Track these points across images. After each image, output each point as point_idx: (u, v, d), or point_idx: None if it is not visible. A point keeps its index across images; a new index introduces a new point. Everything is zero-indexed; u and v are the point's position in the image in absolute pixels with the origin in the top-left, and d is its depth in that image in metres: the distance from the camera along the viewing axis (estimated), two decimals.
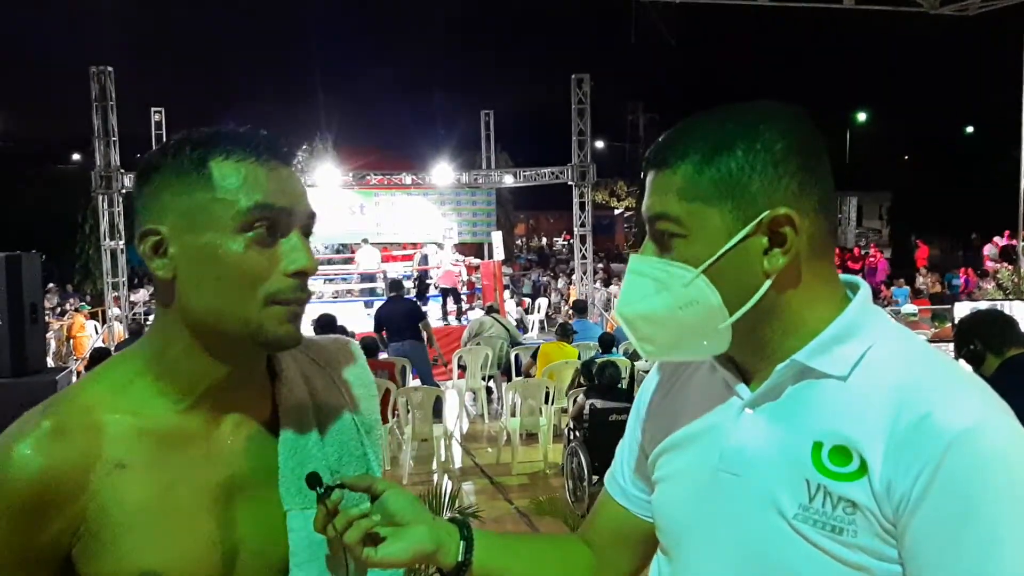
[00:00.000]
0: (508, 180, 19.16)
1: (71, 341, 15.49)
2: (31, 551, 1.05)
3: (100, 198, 16.00)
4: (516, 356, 10.89)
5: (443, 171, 18.75)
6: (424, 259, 18.51)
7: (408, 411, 8.05)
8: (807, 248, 1.04)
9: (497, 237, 19.02)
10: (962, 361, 3.82)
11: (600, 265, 23.59)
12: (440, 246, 19.06)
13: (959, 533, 0.92)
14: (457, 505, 4.27)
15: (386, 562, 1.11)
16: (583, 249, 17.88)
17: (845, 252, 24.60)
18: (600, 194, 39.79)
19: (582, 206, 17.65)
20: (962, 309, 8.25)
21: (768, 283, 1.03)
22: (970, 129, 31.85)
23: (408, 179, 18.74)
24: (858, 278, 1.14)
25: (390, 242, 20.81)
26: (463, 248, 20.58)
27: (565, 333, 10.31)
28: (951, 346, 4.02)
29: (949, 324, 8.79)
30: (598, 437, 6.73)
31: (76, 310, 17.05)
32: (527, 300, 20.44)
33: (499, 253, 18.42)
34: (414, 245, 20.80)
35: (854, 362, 1.03)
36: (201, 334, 1.10)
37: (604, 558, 1.33)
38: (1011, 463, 0.92)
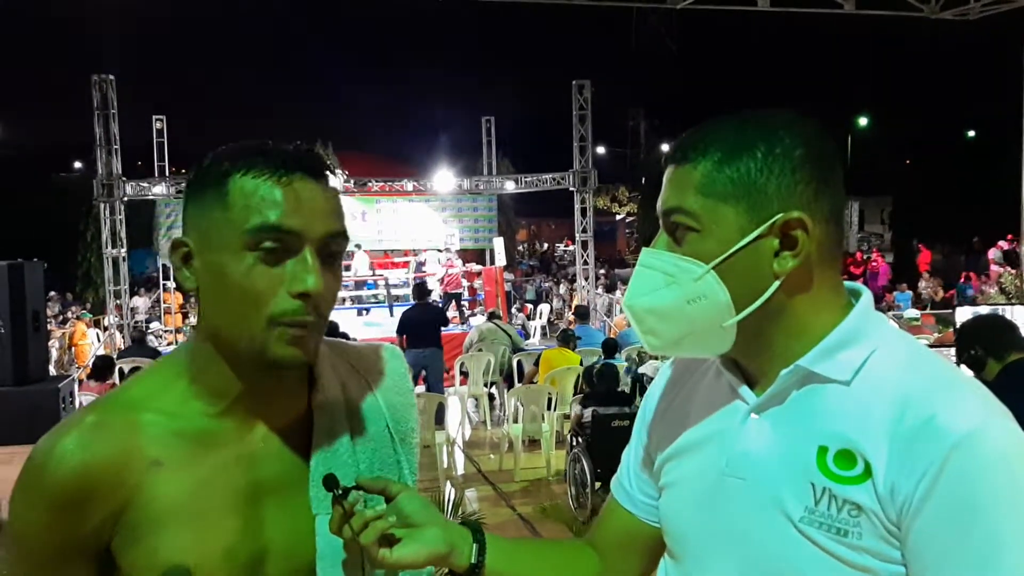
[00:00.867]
0: (510, 186, 19.17)
1: (73, 349, 15.48)
2: (73, 541, 1.09)
3: (102, 206, 15.99)
4: (518, 362, 10.89)
5: (444, 177, 18.77)
6: (419, 266, 18.54)
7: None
8: (816, 254, 1.06)
9: (499, 243, 19.03)
10: (963, 366, 3.82)
11: (602, 271, 23.58)
12: (440, 251, 19.10)
13: (961, 535, 0.93)
14: (460, 512, 4.27)
15: (401, 563, 1.13)
16: (585, 255, 17.88)
17: (847, 256, 24.58)
18: (602, 200, 39.78)
19: (583, 212, 17.65)
20: (963, 314, 8.24)
21: (776, 284, 1.05)
22: (972, 133, 31.85)
23: (409, 185, 18.74)
24: (860, 285, 1.16)
25: (391, 248, 20.82)
26: (465, 254, 20.58)
27: (567, 339, 10.31)
28: (953, 351, 4.02)
29: (951, 329, 8.77)
30: (600, 443, 6.72)
31: (78, 318, 17.05)
32: (529, 306, 20.43)
33: (501, 259, 18.43)
34: (415, 252, 20.83)
35: (857, 367, 1.04)
36: (218, 345, 1.13)
37: (611, 563, 1.34)
38: (1013, 466, 0.93)
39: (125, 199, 16.01)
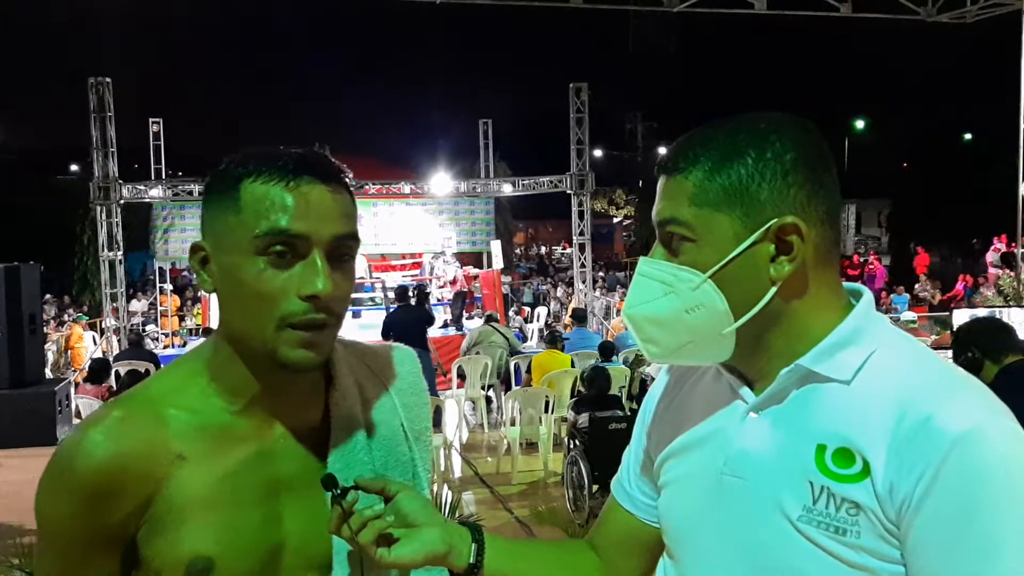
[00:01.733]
0: (507, 189, 19.18)
1: (69, 352, 15.46)
2: (100, 532, 1.12)
3: (98, 209, 15.98)
4: (516, 365, 10.88)
5: (442, 180, 18.77)
6: (430, 270, 18.54)
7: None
8: (813, 257, 1.05)
9: (496, 246, 19.04)
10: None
11: (601, 274, 23.60)
12: (441, 254, 19.09)
13: (959, 535, 0.93)
14: (457, 515, 4.26)
15: (399, 563, 1.14)
16: (582, 258, 17.89)
17: (844, 259, 24.61)
18: (599, 202, 39.84)
19: (581, 214, 17.66)
20: (961, 316, 8.25)
21: (774, 290, 1.05)
22: (968, 136, 31.90)
23: (407, 188, 18.75)
24: (860, 285, 1.16)
25: (388, 252, 20.81)
26: (462, 257, 20.57)
27: (554, 340, 10.31)
28: (951, 353, 4.04)
29: (949, 331, 8.79)
30: (598, 446, 6.72)
31: (74, 321, 17.03)
32: (526, 309, 20.44)
33: (498, 262, 18.44)
34: (413, 255, 20.82)
35: (857, 367, 1.04)
36: (236, 347, 1.16)
37: (611, 563, 1.34)
38: (1011, 466, 0.93)
39: (122, 202, 15.99)
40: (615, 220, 43.86)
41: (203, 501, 1.13)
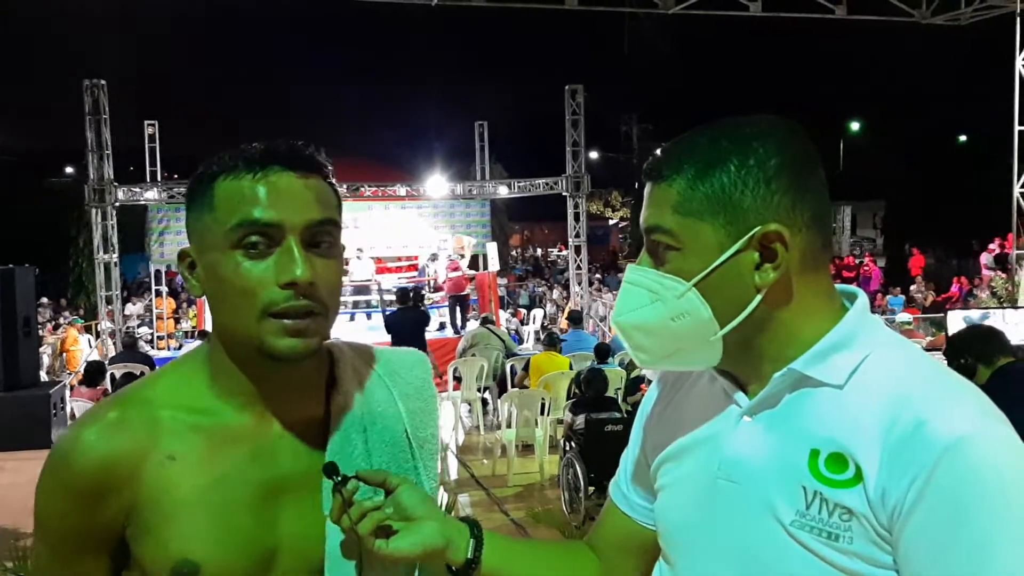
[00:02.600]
0: (503, 191, 19.19)
1: (64, 355, 15.43)
2: (91, 530, 1.13)
3: (93, 211, 15.97)
4: (511, 367, 10.88)
5: (437, 182, 18.78)
6: (422, 271, 18.51)
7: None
8: (799, 263, 1.05)
9: (492, 248, 19.03)
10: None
11: (597, 276, 23.60)
12: (435, 257, 19.09)
13: (950, 541, 0.93)
14: (453, 517, 4.25)
15: (396, 555, 1.14)
16: (578, 259, 17.90)
17: (839, 261, 24.64)
18: (595, 204, 39.87)
19: (577, 216, 17.68)
20: (955, 317, 8.28)
21: (759, 298, 1.05)
22: (963, 138, 31.95)
23: (402, 190, 18.74)
24: (855, 287, 1.16)
25: (384, 255, 20.78)
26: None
27: (552, 342, 10.32)
28: (945, 359, 4.10)
29: (943, 333, 8.80)
30: (594, 448, 6.72)
31: (70, 323, 17.00)
32: (522, 311, 20.43)
33: (494, 264, 18.44)
34: (408, 257, 20.80)
35: (850, 371, 1.04)
36: (227, 345, 1.16)
37: (610, 565, 1.34)
38: (1003, 472, 0.93)
39: (117, 204, 15.98)
40: (611, 222, 43.89)
41: (192, 503, 1.12)
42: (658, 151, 1.11)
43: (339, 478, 1.12)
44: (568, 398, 8.61)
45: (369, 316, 18.21)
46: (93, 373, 9.16)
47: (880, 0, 14.26)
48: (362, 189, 18.71)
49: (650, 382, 1.36)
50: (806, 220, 1.05)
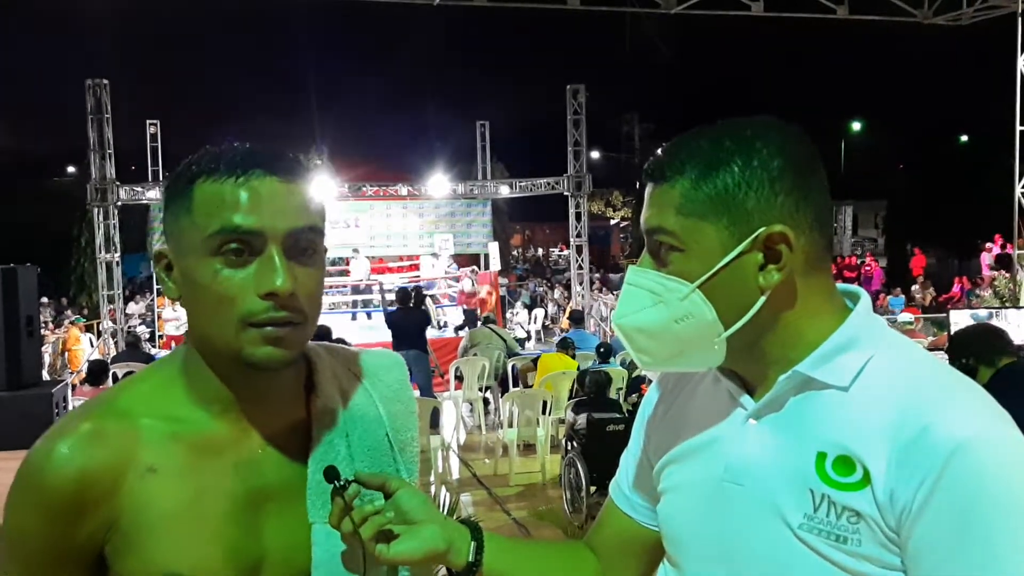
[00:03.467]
0: (504, 191, 19.18)
1: (66, 354, 15.43)
2: (68, 547, 1.08)
3: (95, 211, 15.97)
4: (513, 366, 10.87)
5: (439, 182, 18.77)
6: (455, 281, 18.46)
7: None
8: (802, 264, 1.05)
9: (493, 248, 19.03)
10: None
11: (597, 275, 23.59)
12: (436, 256, 19.08)
13: (958, 544, 0.92)
14: (455, 516, 4.26)
15: (398, 559, 1.13)
16: (579, 259, 17.89)
17: (841, 261, 24.63)
18: (596, 204, 39.86)
19: (578, 216, 17.67)
20: (958, 317, 8.27)
21: (763, 299, 1.04)
22: (965, 138, 31.93)
23: (404, 190, 18.74)
24: (857, 287, 1.15)
25: (385, 255, 20.77)
26: (459, 259, 20.57)
27: (566, 347, 10.29)
28: (947, 358, 4.10)
29: (945, 332, 8.80)
30: (596, 448, 6.72)
31: (72, 323, 17.00)
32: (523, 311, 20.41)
33: (495, 264, 18.43)
34: (410, 257, 20.80)
35: (855, 372, 1.04)
36: (203, 351, 1.13)
37: (610, 565, 1.34)
38: (1010, 474, 0.93)
39: (119, 203, 15.98)
40: (612, 222, 43.87)
41: (175, 515, 1.09)
42: (659, 152, 1.10)
43: (340, 483, 1.11)
44: (570, 398, 8.61)
45: (369, 316, 18.22)
46: (97, 372, 9.16)
47: (881, 0, 14.26)
48: (363, 188, 18.72)
49: (651, 382, 1.36)
50: (809, 221, 1.05)
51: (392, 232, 20.17)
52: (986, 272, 18.82)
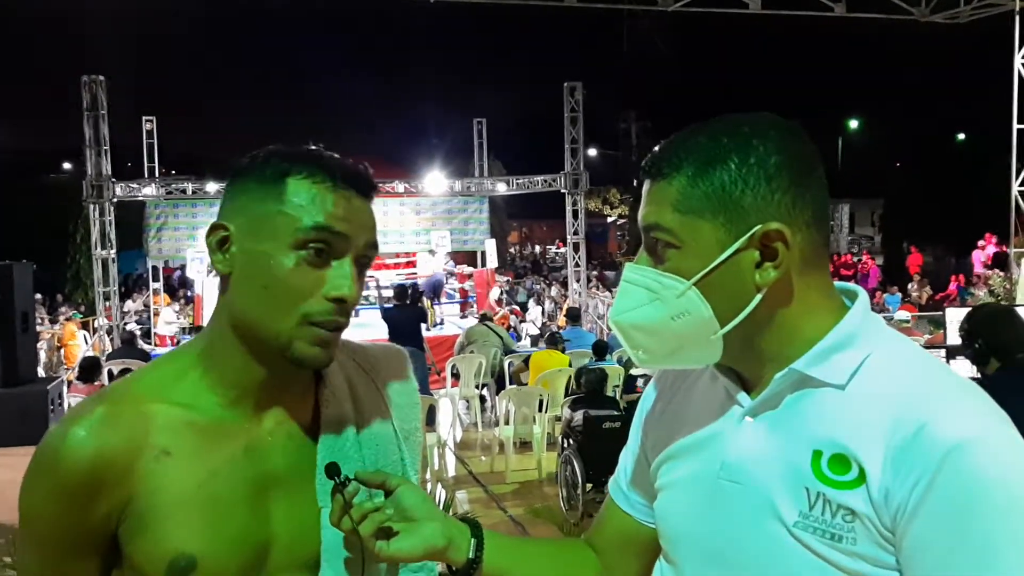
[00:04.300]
0: (501, 188, 19.17)
1: (62, 350, 15.42)
2: (83, 530, 1.11)
3: (91, 207, 15.92)
4: (509, 364, 10.88)
5: (436, 179, 18.75)
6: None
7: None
8: (799, 261, 1.05)
9: (490, 245, 19.02)
10: (955, 363, 3.78)
11: (594, 273, 23.60)
12: (432, 253, 19.05)
13: (954, 545, 0.93)
14: (451, 514, 4.27)
15: (398, 556, 1.14)
16: (576, 257, 17.89)
17: (837, 259, 24.66)
18: (593, 202, 39.85)
19: (575, 214, 17.66)
20: (953, 315, 8.26)
21: (759, 296, 1.04)
22: (962, 136, 31.96)
23: (401, 187, 18.72)
24: (855, 285, 1.15)
25: (382, 251, 20.74)
26: (456, 256, 20.56)
27: (555, 341, 10.31)
28: (943, 352, 4.01)
29: (941, 331, 8.80)
30: (592, 445, 6.73)
31: (68, 319, 16.98)
32: (520, 308, 20.41)
33: (492, 261, 18.43)
34: (407, 254, 20.79)
35: (852, 371, 1.04)
36: (241, 333, 1.16)
37: (610, 563, 1.34)
38: (1005, 475, 0.92)
39: (115, 200, 15.94)
40: (609, 219, 43.88)
41: (187, 497, 1.12)
42: (657, 148, 1.10)
43: (341, 479, 1.12)
44: (566, 395, 8.62)
45: (357, 313, 18.15)
46: (89, 369, 9.16)
47: None
48: None
49: (647, 380, 1.36)
50: (806, 219, 1.04)
51: (389, 229, 20.12)
52: (978, 270, 18.86)
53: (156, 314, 17.35)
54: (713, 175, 1.03)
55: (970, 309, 4.01)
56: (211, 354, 1.18)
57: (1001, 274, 14.44)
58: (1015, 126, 13.14)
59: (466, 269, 19.77)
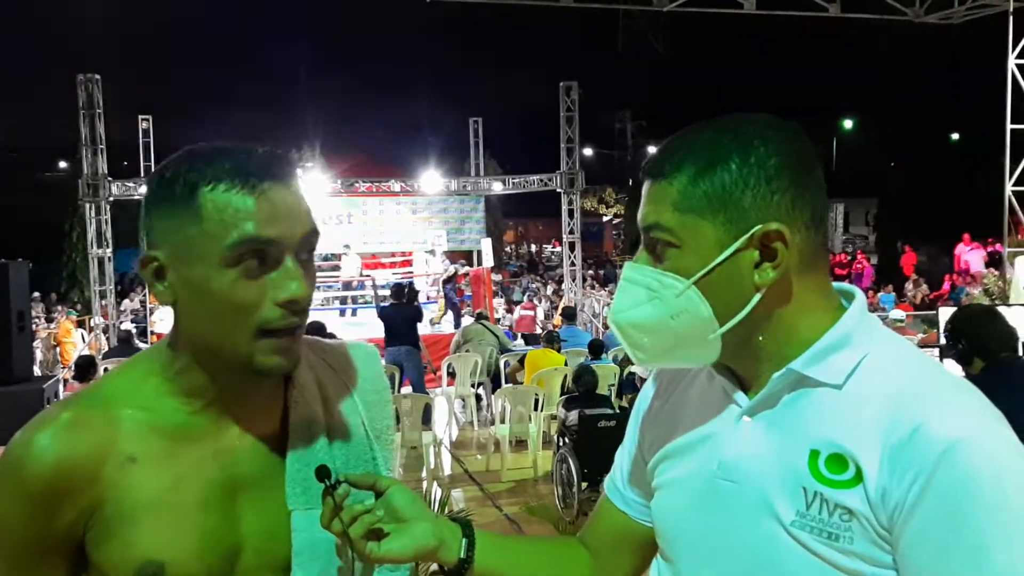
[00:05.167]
0: (497, 187, 19.17)
1: (58, 349, 15.38)
2: (49, 536, 1.09)
3: (87, 206, 15.90)
4: (505, 363, 10.88)
5: (432, 178, 18.74)
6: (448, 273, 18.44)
7: (397, 418, 8.03)
8: (798, 262, 1.06)
9: (486, 244, 19.01)
10: (948, 362, 3.79)
11: (590, 272, 23.61)
12: (432, 253, 19.05)
13: (949, 543, 0.93)
14: (447, 512, 4.28)
15: (389, 557, 1.13)
16: (572, 256, 17.90)
17: (832, 258, 24.64)
18: (589, 201, 39.89)
19: (571, 213, 17.66)
20: (946, 314, 8.28)
21: (758, 296, 1.05)
22: (956, 136, 31.99)
23: (396, 186, 18.70)
24: (852, 286, 1.16)
25: (378, 251, 20.73)
26: (452, 255, 20.55)
27: (551, 340, 10.31)
28: (938, 351, 4.01)
29: (936, 330, 8.82)
30: (587, 444, 6.73)
31: (65, 317, 16.94)
32: (516, 307, 20.40)
33: (488, 260, 18.42)
34: (403, 253, 20.77)
35: (849, 371, 1.05)
36: (200, 355, 1.13)
37: (603, 561, 1.34)
38: (1000, 475, 0.93)
39: (111, 199, 15.92)
40: (605, 219, 43.89)
41: (155, 503, 1.10)
42: (658, 149, 1.11)
43: (330, 482, 1.11)
44: (562, 394, 8.63)
45: (355, 312, 18.19)
46: (84, 368, 9.11)
47: None
48: (356, 185, 18.67)
49: (643, 379, 1.37)
50: (806, 220, 1.05)
51: (385, 228, 20.11)
52: (958, 267, 18.94)
53: (153, 314, 17.32)
54: (714, 175, 1.04)
55: (954, 310, 4.04)
56: (171, 369, 1.15)
57: (995, 273, 14.48)
58: (1009, 126, 13.18)
59: (463, 268, 19.74)
